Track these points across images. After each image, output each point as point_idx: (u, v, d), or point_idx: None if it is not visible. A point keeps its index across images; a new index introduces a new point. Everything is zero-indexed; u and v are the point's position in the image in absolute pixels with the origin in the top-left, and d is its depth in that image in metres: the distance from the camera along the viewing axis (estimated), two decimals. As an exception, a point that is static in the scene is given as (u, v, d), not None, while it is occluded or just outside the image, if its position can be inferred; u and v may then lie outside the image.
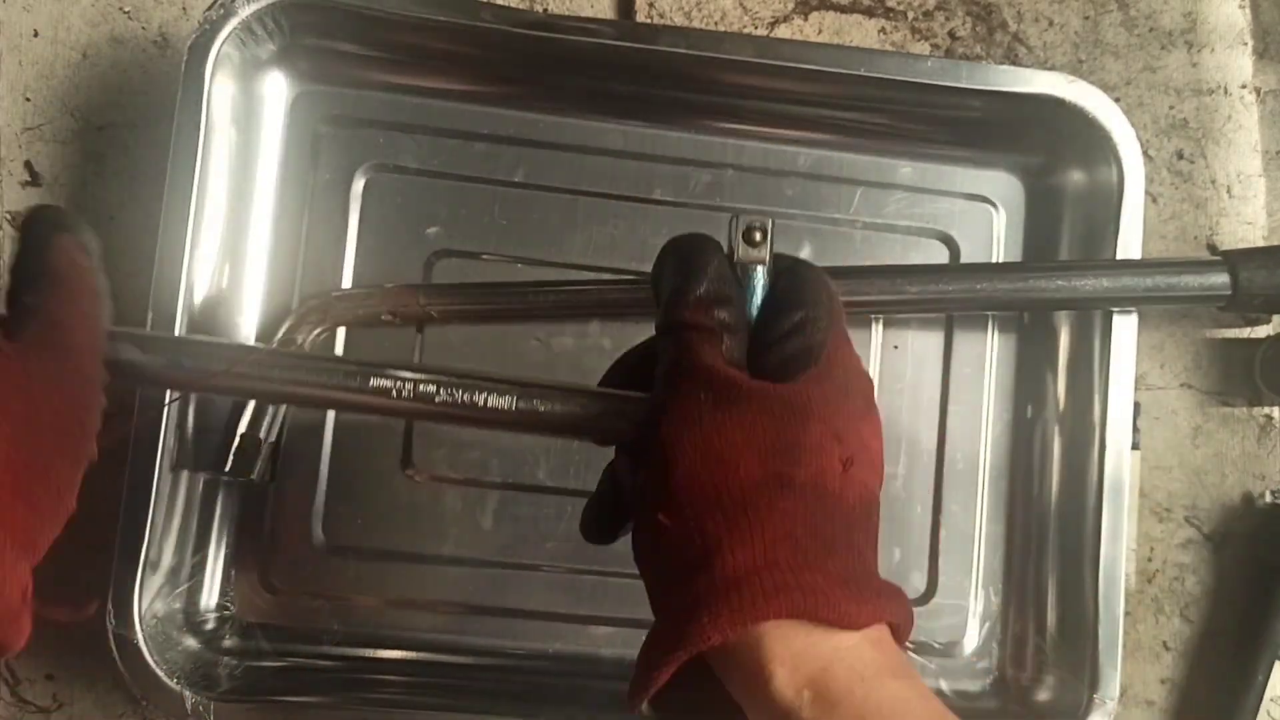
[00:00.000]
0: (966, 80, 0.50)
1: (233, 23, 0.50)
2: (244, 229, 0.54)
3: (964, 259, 0.55)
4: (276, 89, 0.55)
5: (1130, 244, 0.50)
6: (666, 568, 0.33)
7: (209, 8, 0.51)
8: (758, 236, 0.37)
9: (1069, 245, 0.54)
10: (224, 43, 0.51)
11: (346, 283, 0.55)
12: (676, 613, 0.32)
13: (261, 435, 0.51)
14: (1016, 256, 0.56)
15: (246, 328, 0.55)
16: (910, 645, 0.54)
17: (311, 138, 0.56)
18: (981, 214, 0.56)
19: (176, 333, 0.49)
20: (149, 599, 0.50)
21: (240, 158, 0.54)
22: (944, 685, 0.54)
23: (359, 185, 0.56)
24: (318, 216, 0.55)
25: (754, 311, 0.36)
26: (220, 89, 0.51)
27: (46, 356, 0.33)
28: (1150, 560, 0.54)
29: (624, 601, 0.54)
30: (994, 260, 0.55)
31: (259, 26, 0.52)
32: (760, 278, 0.37)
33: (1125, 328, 0.50)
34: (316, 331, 0.53)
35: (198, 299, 0.51)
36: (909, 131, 0.55)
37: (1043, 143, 0.54)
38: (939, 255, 0.56)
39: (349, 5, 0.51)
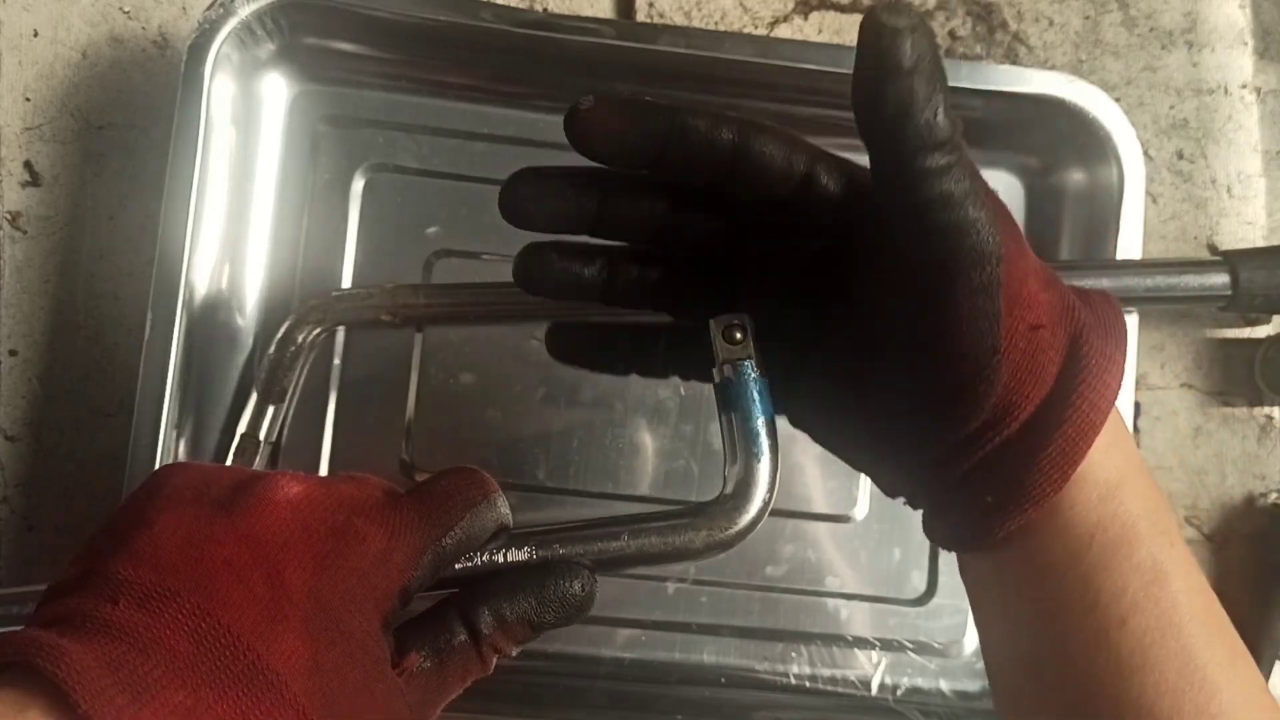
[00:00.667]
0: (966, 80, 0.50)
1: (231, 23, 0.51)
2: (244, 229, 0.54)
3: None
4: (276, 88, 0.55)
5: (1130, 244, 0.50)
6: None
7: (208, 7, 0.51)
8: (738, 335, 0.38)
9: (1069, 245, 0.54)
10: (223, 43, 0.51)
11: (346, 282, 0.55)
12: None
13: (261, 435, 0.52)
14: None
15: (246, 328, 0.55)
16: (910, 646, 0.54)
17: (311, 137, 0.56)
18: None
19: (175, 333, 0.50)
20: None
21: (240, 157, 0.54)
22: (943, 685, 0.54)
23: (359, 185, 0.56)
24: (318, 216, 0.55)
25: (753, 407, 0.37)
26: (220, 89, 0.52)
27: None
28: (1150, 560, 0.54)
29: (622, 602, 0.54)
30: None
31: (258, 26, 0.52)
32: (750, 370, 0.38)
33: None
34: (316, 331, 0.53)
35: (197, 299, 0.51)
36: None
37: (1043, 142, 0.53)
38: (939, 255, 0.55)
39: (348, 5, 0.51)
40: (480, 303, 0.54)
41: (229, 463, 0.51)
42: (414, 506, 0.33)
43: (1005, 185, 0.55)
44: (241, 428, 0.52)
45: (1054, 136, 0.52)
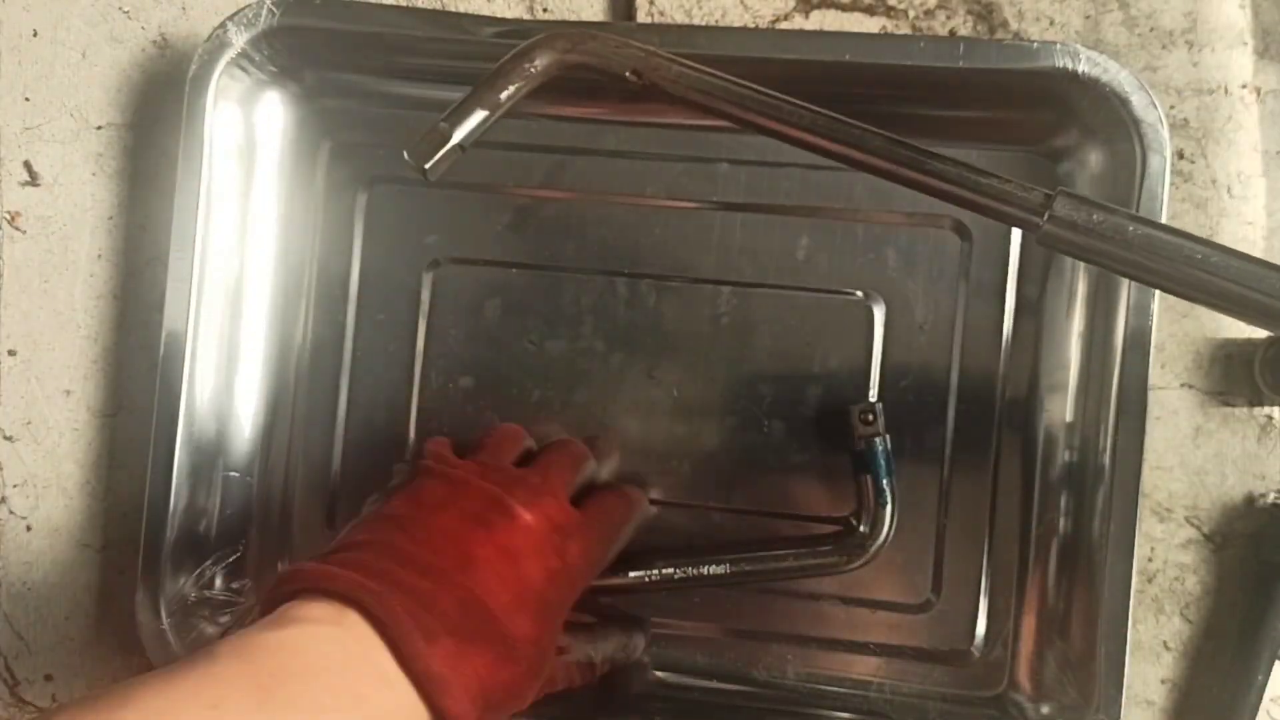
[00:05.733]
0: (980, 61, 0.48)
1: (229, 53, 0.51)
2: (252, 246, 0.55)
3: (979, 246, 0.53)
4: (276, 112, 0.56)
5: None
6: None
7: (206, 40, 0.51)
8: (870, 417, 0.51)
9: None
10: (221, 73, 0.52)
11: (353, 288, 0.56)
12: None
13: (456, 135, 0.45)
14: (1033, 241, 0.50)
15: (257, 340, 0.56)
16: (911, 652, 0.54)
17: (313, 156, 0.56)
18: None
19: (187, 350, 0.51)
20: (174, 590, 0.52)
21: (246, 181, 0.55)
22: (944, 692, 0.53)
23: (363, 199, 0.56)
24: (328, 229, 0.56)
25: (881, 470, 0.51)
26: (223, 120, 0.53)
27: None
28: (1150, 560, 0.54)
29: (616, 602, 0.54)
30: (1010, 247, 0.53)
31: (255, 53, 0.52)
32: (879, 444, 0.51)
33: (1137, 346, 0.49)
34: (556, 60, 0.46)
35: (208, 315, 0.53)
36: (915, 113, 0.53)
37: (1060, 119, 0.51)
38: (951, 243, 0.54)
39: (338, 27, 0.52)
40: (731, 100, 0.45)
41: (408, 150, 0.45)
42: (595, 530, 0.47)
43: (1024, 165, 0.53)
44: (442, 119, 0.45)
45: (1071, 112, 0.50)
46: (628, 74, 0.45)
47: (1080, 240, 0.41)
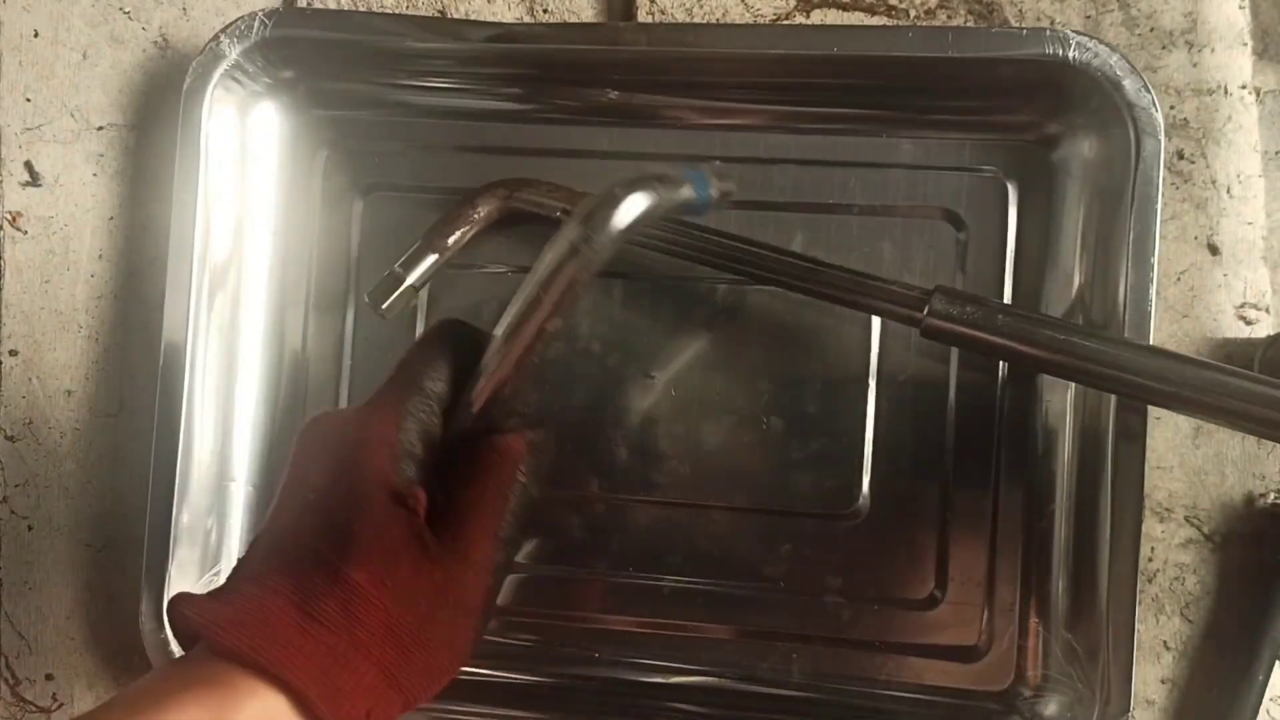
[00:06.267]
0: (970, 49, 0.49)
1: (223, 65, 0.52)
2: (248, 261, 0.56)
3: (974, 236, 0.53)
4: (272, 123, 0.56)
5: (1147, 206, 0.48)
6: None
7: (200, 54, 0.52)
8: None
9: (1085, 216, 0.51)
10: (216, 85, 0.52)
11: (350, 295, 0.57)
12: None
13: (409, 278, 0.52)
14: (1029, 230, 0.53)
15: (256, 348, 0.56)
16: (915, 649, 0.54)
17: (309, 165, 0.57)
18: (992, 188, 0.53)
19: (187, 365, 0.52)
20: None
21: (242, 192, 0.55)
22: (953, 690, 0.53)
23: (359, 206, 0.57)
24: (324, 237, 0.57)
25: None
26: (218, 131, 0.53)
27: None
28: (1150, 560, 0.54)
29: (617, 601, 0.55)
30: (1007, 237, 0.53)
31: (249, 64, 0.53)
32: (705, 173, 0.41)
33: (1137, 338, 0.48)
34: (494, 207, 0.53)
35: (206, 324, 0.53)
36: (907, 105, 0.53)
37: (1052, 105, 0.51)
38: (945, 235, 0.53)
39: (332, 37, 0.52)
40: (655, 237, 0.51)
41: (368, 294, 0.52)
42: (384, 389, 0.40)
43: (1016, 156, 0.53)
44: (398, 264, 0.52)
45: (1064, 99, 0.50)
46: (557, 215, 0.52)
47: (957, 331, 0.45)
